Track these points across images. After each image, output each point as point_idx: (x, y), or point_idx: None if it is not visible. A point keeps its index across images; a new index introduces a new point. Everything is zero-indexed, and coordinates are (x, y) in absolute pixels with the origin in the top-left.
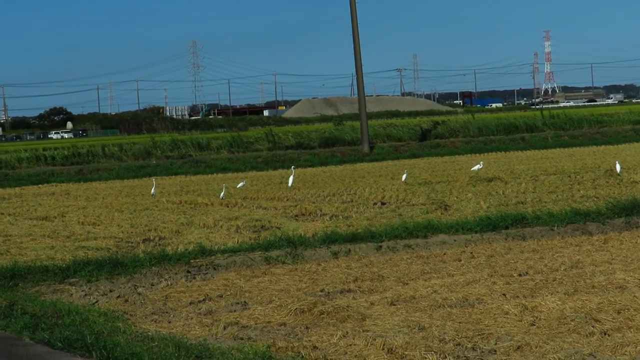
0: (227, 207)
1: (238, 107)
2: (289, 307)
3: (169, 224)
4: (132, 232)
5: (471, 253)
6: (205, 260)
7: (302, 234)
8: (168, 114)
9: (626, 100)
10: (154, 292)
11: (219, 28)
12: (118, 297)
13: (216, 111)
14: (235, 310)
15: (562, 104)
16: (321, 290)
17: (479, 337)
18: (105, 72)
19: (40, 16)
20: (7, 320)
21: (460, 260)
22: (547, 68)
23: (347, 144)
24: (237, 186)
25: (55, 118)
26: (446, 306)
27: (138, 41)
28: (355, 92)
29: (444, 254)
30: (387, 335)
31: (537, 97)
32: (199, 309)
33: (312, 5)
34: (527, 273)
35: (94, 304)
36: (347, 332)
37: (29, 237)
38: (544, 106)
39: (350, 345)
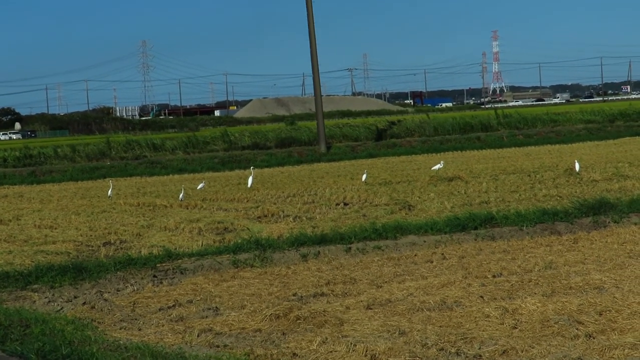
0: (187, 209)
1: (188, 107)
2: (263, 312)
3: (129, 226)
4: (91, 236)
5: (442, 254)
6: (172, 264)
7: (269, 236)
8: (118, 114)
9: (572, 100)
10: (120, 298)
11: (169, 27)
12: (84, 303)
13: (167, 111)
14: (207, 316)
15: (510, 104)
16: (294, 295)
17: (462, 341)
18: (53, 72)
19: None
20: None
21: (432, 262)
22: (495, 68)
23: (303, 144)
24: (197, 187)
25: (3, 119)
26: (424, 309)
27: (87, 41)
28: (307, 91)
29: (415, 255)
30: (367, 340)
31: (486, 97)
32: (170, 315)
33: (262, 4)
34: (501, 274)
35: (58, 311)
36: (327, 338)
37: None
38: (493, 105)
39: (331, 351)
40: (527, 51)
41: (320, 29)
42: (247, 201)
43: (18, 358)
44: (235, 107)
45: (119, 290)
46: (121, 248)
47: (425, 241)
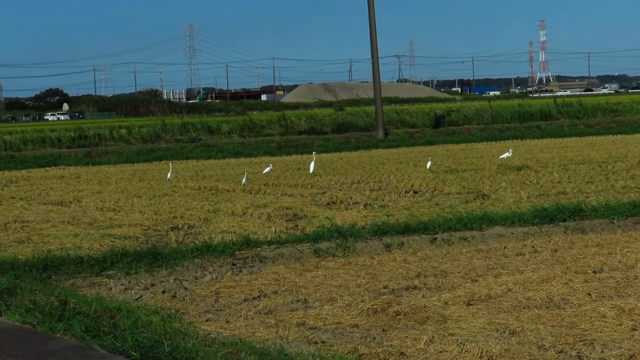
0: (251, 193)
1: (233, 91)
2: (359, 306)
3: (194, 211)
4: (157, 220)
5: (533, 247)
6: (251, 252)
7: (350, 225)
8: (165, 97)
9: (622, 90)
10: (200, 287)
11: (216, 11)
12: (163, 292)
13: (213, 95)
14: (296, 309)
15: (558, 93)
16: (384, 287)
17: (581, 343)
18: (100, 54)
19: None
20: (66, 323)
21: (523, 255)
22: (542, 57)
23: (360, 129)
24: (264, 171)
25: (51, 99)
26: (531, 307)
27: (133, 23)
28: (354, 77)
29: (505, 247)
30: (476, 340)
31: (532, 86)
32: (256, 307)
33: None
34: (602, 270)
35: (137, 299)
36: (433, 337)
37: (48, 223)
38: (540, 95)
39: (442, 352)
40: (574, 41)
41: (364, 16)
42: (312, 187)
43: (120, 355)
44: (282, 92)
45: (197, 279)
46: (190, 233)
47: (512, 233)
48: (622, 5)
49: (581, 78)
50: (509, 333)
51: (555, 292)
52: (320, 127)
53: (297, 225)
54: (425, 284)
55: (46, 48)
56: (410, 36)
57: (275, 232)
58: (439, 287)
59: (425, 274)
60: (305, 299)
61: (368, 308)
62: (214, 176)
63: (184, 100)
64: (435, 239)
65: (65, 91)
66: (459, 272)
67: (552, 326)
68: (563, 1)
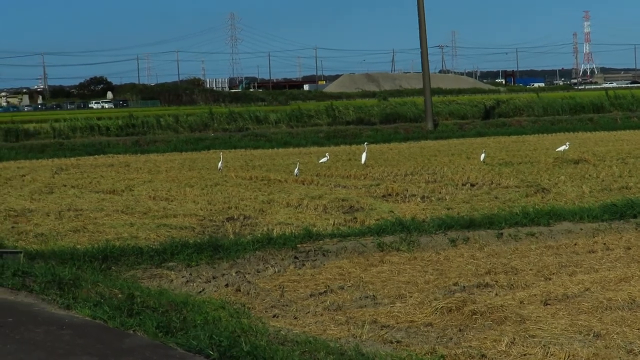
0: (303, 184)
1: (275, 80)
2: (432, 304)
3: (248, 201)
4: (211, 210)
5: (604, 244)
6: (313, 245)
7: (413, 218)
8: (208, 86)
9: None
10: (263, 280)
11: (258, 0)
12: (227, 285)
13: (256, 84)
14: (365, 306)
15: (604, 85)
16: (454, 284)
17: None
18: (143, 42)
19: None
20: (136, 318)
21: (595, 252)
22: (586, 48)
23: (408, 120)
24: (319, 161)
25: (95, 88)
26: (614, 308)
27: (176, 12)
28: (396, 67)
29: (575, 244)
30: (559, 342)
31: (576, 78)
32: (324, 303)
33: None
34: None
35: (200, 292)
36: (514, 338)
37: (102, 212)
38: (586, 87)
39: (525, 354)
40: (619, 32)
41: (407, 6)
42: (364, 178)
43: (199, 355)
44: (324, 82)
45: (259, 272)
46: (247, 224)
47: (581, 229)
48: None
49: (626, 70)
50: (594, 336)
51: (637, 293)
52: (368, 117)
53: (355, 218)
54: (496, 281)
55: (90, 37)
56: (452, 26)
57: (334, 224)
58: (512, 285)
59: (496, 270)
60: (373, 295)
61: (442, 306)
62: (264, 166)
63: (227, 89)
64: (502, 234)
65: (109, 79)
66: (530, 270)
67: (638, 329)
68: None
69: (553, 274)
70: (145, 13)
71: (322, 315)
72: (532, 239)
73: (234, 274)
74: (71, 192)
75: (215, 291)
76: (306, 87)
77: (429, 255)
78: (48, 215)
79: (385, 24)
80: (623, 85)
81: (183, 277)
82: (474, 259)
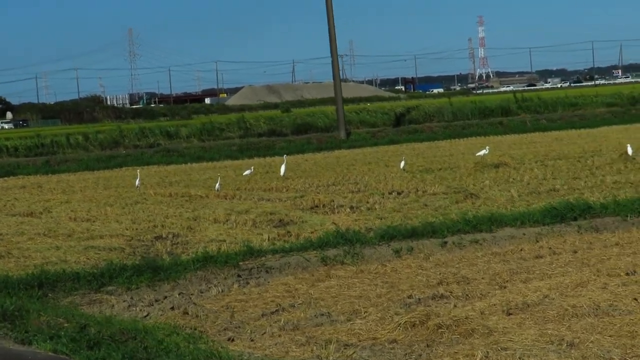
0: (226, 199)
1: (174, 95)
2: (394, 319)
3: (173, 219)
4: (137, 229)
5: (550, 248)
6: (255, 262)
7: (354, 230)
8: (109, 102)
9: (565, 84)
10: (209, 301)
11: (155, 15)
12: (172, 308)
13: (157, 100)
14: (322, 324)
15: (501, 89)
16: (409, 297)
17: None
18: (40, 61)
19: None
20: (98, 350)
21: (542, 257)
22: (481, 53)
23: (320, 130)
24: (244, 173)
25: None
26: (579, 315)
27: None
28: (297, 78)
29: (521, 249)
30: (534, 354)
31: (472, 83)
32: (278, 322)
33: None
34: (635, 272)
35: (145, 317)
36: (487, 353)
37: (23, 235)
38: (484, 91)
39: None
40: (512, 36)
41: (304, 17)
42: (287, 190)
43: None
44: (225, 95)
45: (202, 292)
46: (177, 243)
47: (524, 234)
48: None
49: (521, 73)
50: (567, 345)
51: (598, 298)
52: (279, 128)
53: (288, 232)
54: (450, 292)
55: None
56: (349, 36)
57: (268, 239)
58: (467, 295)
59: (447, 281)
60: (328, 313)
61: (405, 321)
62: (181, 182)
63: (128, 105)
64: (446, 242)
65: (7, 99)
66: (482, 278)
67: (610, 336)
68: None
69: (507, 281)
70: (41, 31)
71: (279, 336)
72: (476, 246)
73: (177, 296)
74: None
75: (161, 315)
76: (208, 100)
77: (375, 267)
78: None
79: (284, 35)
80: (519, 89)
81: (124, 301)
82: (422, 270)
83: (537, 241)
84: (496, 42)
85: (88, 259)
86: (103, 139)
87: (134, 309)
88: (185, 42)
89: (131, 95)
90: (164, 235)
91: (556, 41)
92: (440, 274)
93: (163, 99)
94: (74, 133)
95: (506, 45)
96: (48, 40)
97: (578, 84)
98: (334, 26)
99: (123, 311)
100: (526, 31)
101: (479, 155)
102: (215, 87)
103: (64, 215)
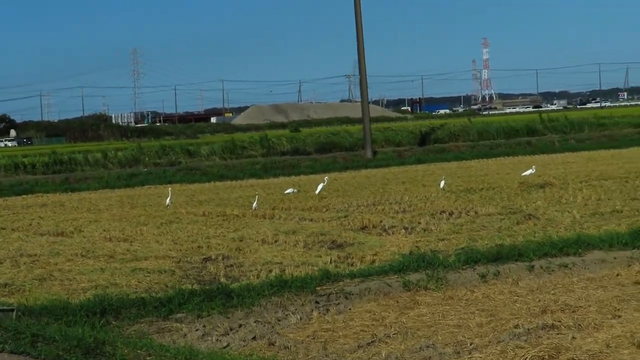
0: (265, 218)
1: (177, 114)
2: (518, 353)
3: (217, 239)
4: (182, 250)
5: None
6: (333, 287)
7: (434, 253)
8: (114, 121)
9: (570, 106)
10: (291, 330)
11: (161, 34)
12: (254, 338)
13: (161, 118)
14: (430, 357)
15: (507, 110)
16: (515, 327)
17: None
18: (45, 79)
19: None
20: None
21: None
22: (485, 75)
23: (344, 149)
24: (286, 192)
25: None
26: None
27: (78, 47)
28: (303, 98)
29: (617, 275)
30: None
31: (476, 104)
32: (379, 355)
33: (255, 11)
34: None
35: (225, 347)
36: None
37: (59, 256)
38: (490, 112)
39: None
40: (515, 58)
41: (310, 37)
42: (327, 210)
43: None
44: (230, 114)
45: (279, 320)
46: (230, 265)
47: (615, 257)
48: (560, 23)
49: (524, 95)
50: None
51: None
52: (303, 147)
53: (349, 254)
54: (559, 321)
55: None
56: (353, 55)
57: (330, 261)
58: (579, 325)
59: (550, 309)
60: (433, 344)
61: (532, 356)
62: (211, 201)
63: (133, 124)
64: (533, 266)
65: (11, 117)
66: (589, 306)
67: None
68: (504, 19)
69: (617, 309)
70: (45, 49)
71: None
72: (566, 270)
73: (253, 324)
74: (14, 235)
75: (243, 345)
76: (214, 119)
77: (464, 293)
78: (1, 263)
79: (290, 55)
80: (525, 110)
81: (197, 329)
82: (517, 296)
83: (630, 265)
84: (500, 64)
85: (139, 282)
86: (122, 157)
87: (209, 338)
88: (190, 61)
89: (135, 114)
90: (213, 257)
91: (559, 63)
92: (539, 300)
93: (167, 117)
94: (93, 150)
95: (509, 67)
96: (52, 58)
97: (583, 106)
98: (363, 47)
99: (197, 341)
100: (529, 53)
101: (525, 175)
102: (218, 106)
103: (97, 234)
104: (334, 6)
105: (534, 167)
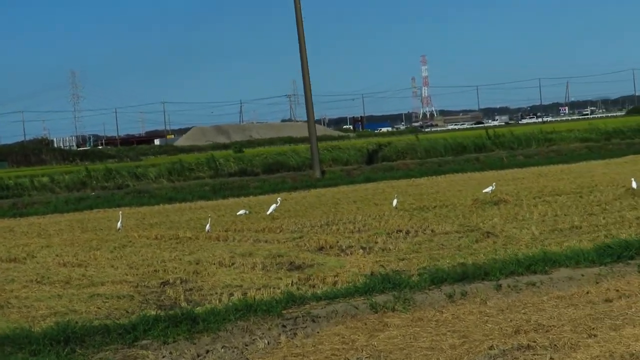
0: (218, 240)
1: (119, 137)
2: None
3: (173, 262)
4: (138, 275)
5: (617, 291)
6: (299, 310)
7: (399, 273)
8: (56, 145)
9: (512, 122)
10: (261, 356)
11: (99, 56)
12: None
13: (103, 142)
14: None
15: (449, 127)
16: (489, 348)
17: None
18: None
19: None
20: None
21: (612, 301)
22: (424, 92)
23: (292, 169)
24: (238, 213)
25: None
26: None
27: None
28: (244, 118)
29: (587, 293)
30: None
31: (417, 121)
32: None
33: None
34: None
35: None
36: None
37: (14, 283)
38: (432, 129)
39: None
40: (454, 75)
41: (250, 56)
42: (280, 231)
43: None
44: (172, 136)
45: (247, 345)
46: (190, 289)
47: (582, 275)
48: (499, 38)
49: (465, 111)
50: None
51: None
52: (250, 168)
53: (310, 276)
54: (534, 341)
55: None
56: (292, 75)
57: (292, 284)
58: (555, 345)
59: (523, 329)
60: None
61: None
62: (161, 224)
63: (75, 147)
64: (500, 285)
65: None
66: (562, 325)
67: None
68: (442, 36)
69: (592, 329)
70: None
71: None
72: (534, 289)
73: (220, 350)
74: None
75: None
76: (157, 141)
77: (432, 314)
78: None
79: (231, 75)
80: (466, 127)
81: (163, 356)
82: (487, 316)
83: (597, 282)
84: (439, 81)
85: (99, 308)
86: (69, 180)
87: None
88: (129, 83)
89: (77, 137)
90: (171, 281)
91: (499, 79)
92: (510, 320)
93: (109, 140)
94: (38, 175)
95: (449, 84)
96: None
97: (524, 122)
98: (307, 68)
99: None
100: (469, 69)
101: (486, 192)
102: (159, 128)
103: (51, 260)
104: (273, 23)
105: (494, 183)
